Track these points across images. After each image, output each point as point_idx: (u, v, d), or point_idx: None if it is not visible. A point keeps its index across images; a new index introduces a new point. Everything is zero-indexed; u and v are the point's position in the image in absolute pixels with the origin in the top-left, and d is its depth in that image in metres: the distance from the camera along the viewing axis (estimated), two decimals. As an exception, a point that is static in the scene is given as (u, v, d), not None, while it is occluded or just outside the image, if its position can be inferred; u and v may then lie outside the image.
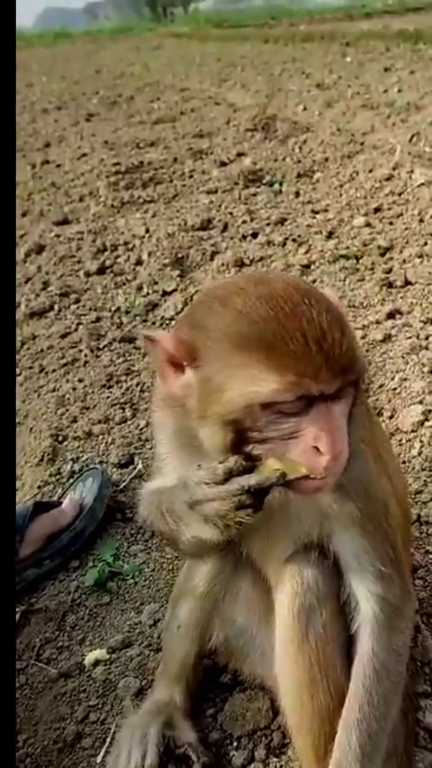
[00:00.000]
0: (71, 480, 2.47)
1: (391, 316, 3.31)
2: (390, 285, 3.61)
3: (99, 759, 1.64)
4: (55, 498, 2.46)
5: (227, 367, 1.17)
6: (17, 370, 3.42)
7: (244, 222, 4.66)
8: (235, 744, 1.64)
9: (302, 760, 1.47)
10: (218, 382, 1.18)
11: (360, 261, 3.87)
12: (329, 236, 4.29)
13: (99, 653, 1.91)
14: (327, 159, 5.99)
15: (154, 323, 3.60)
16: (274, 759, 1.59)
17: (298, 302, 1.16)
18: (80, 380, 3.15)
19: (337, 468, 1.16)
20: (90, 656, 1.91)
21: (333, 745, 1.36)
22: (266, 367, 1.13)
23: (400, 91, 8.42)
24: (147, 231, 4.70)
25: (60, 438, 2.77)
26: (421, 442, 2.51)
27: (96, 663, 1.89)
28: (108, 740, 1.68)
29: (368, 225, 4.35)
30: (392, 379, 2.87)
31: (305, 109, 8.24)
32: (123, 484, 2.51)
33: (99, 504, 2.33)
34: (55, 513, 2.27)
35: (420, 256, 3.82)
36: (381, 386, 2.86)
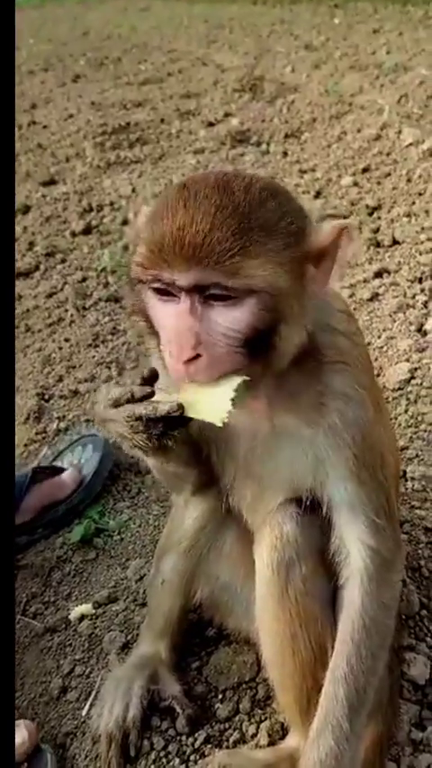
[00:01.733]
0: (69, 443, 2.39)
1: (378, 275, 3.25)
2: (377, 244, 3.54)
3: (84, 712, 1.62)
4: (43, 457, 2.41)
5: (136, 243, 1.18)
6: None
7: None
8: (220, 696, 1.62)
9: (286, 713, 1.45)
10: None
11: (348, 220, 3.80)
12: (317, 195, 4.21)
13: (85, 608, 1.89)
14: (314, 120, 5.86)
15: (141, 283, 3.53)
16: (259, 711, 1.58)
17: (202, 189, 1.10)
18: (66, 340, 3.08)
19: (192, 374, 1.09)
20: (76, 611, 1.88)
21: (316, 698, 1.33)
22: (141, 242, 1.13)
23: (388, 52, 8.25)
24: (133, 191, 4.59)
25: (47, 397, 2.72)
26: (408, 399, 2.47)
27: (82, 618, 1.87)
28: (93, 693, 1.66)
29: (356, 184, 4.26)
30: (379, 337, 2.83)
31: (293, 70, 8.06)
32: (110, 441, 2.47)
33: (97, 480, 2.25)
34: (55, 483, 2.19)
35: (408, 216, 3.75)
36: (368, 344, 2.81)
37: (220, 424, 1.09)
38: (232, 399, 1.09)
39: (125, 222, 4.17)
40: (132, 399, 1.17)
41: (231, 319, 1.09)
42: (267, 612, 1.37)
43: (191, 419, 1.14)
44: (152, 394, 1.17)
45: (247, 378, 1.11)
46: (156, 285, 1.12)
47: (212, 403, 1.10)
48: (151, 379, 1.19)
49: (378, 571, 1.30)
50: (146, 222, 1.15)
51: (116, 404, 1.18)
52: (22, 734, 1.51)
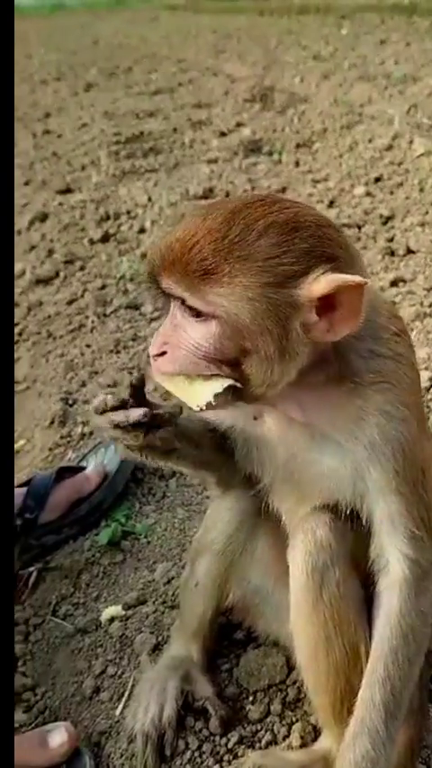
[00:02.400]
0: (93, 446, 2.41)
1: (394, 283, 3.27)
2: (392, 253, 3.56)
3: (118, 712, 1.64)
4: (68, 460, 2.43)
5: None
6: (25, 336, 3.38)
7: (245, 191, 4.59)
8: (251, 698, 1.63)
9: (319, 715, 1.46)
10: None
11: (362, 230, 3.82)
12: (331, 204, 4.23)
13: (115, 609, 1.90)
14: (325, 130, 5.89)
15: (158, 290, 3.55)
16: (290, 713, 1.59)
17: (213, 210, 1.14)
18: (88, 346, 3.10)
19: (156, 367, 1.19)
20: (106, 613, 1.89)
21: (349, 700, 1.34)
22: None
23: (396, 63, 8.28)
24: (149, 200, 4.62)
25: (70, 401, 2.73)
26: (428, 407, 2.48)
27: (112, 619, 1.88)
28: (126, 694, 1.67)
29: (369, 194, 4.29)
30: (396, 345, 2.84)
31: (302, 80, 8.09)
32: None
33: (120, 477, 2.27)
34: (79, 479, 2.21)
35: (422, 225, 3.77)
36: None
37: (195, 408, 1.17)
38: (215, 395, 1.16)
39: (142, 230, 4.20)
40: (107, 408, 1.24)
41: (196, 334, 1.15)
42: (302, 616, 1.38)
43: (171, 422, 1.26)
44: (124, 402, 1.24)
45: (236, 384, 1.16)
46: (153, 292, 1.20)
47: (196, 391, 1.17)
48: (139, 384, 1.26)
49: (417, 580, 1.31)
50: None
51: (98, 412, 1.26)
52: (62, 736, 1.52)
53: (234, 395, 1.17)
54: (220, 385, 1.16)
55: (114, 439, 1.28)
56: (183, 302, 1.15)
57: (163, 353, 1.18)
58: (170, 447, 1.32)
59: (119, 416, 1.23)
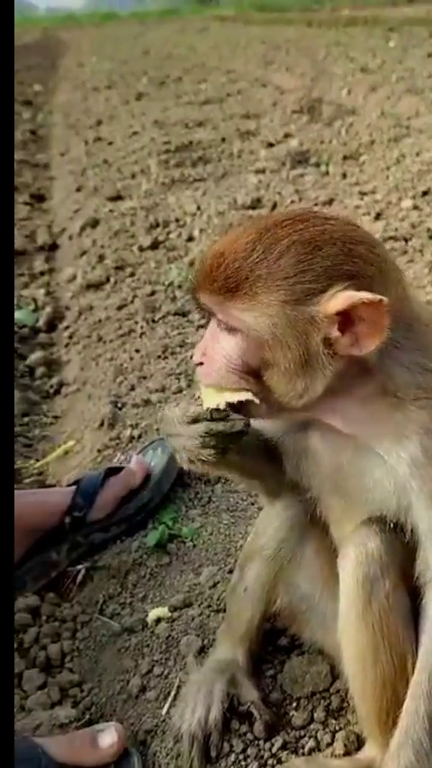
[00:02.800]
0: (141, 448, 2.44)
1: (440, 297, 3.25)
2: (438, 267, 3.54)
3: (164, 711, 1.65)
4: (116, 461, 2.46)
5: None
6: (75, 339, 3.43)
7: (292, 202, 4.60)
8: (294, 705, 1.63)
9: (364, 724, 1.46)
10: None
11: (409, 243, 3.80)
12: (377, 217, 4.22)
13: (161, 610, 1.91)
14: (373, 142, 5.88)
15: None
16: (333, 721, 1.59)
17: (247, 229, 1.21)
18: (137, 351, 3.14)
19: (198, 373, 1.28)
20: (153, 614, 1.91)
21: (394, 710, 1.34)
22: None
23: (444, 76, 8.22)
24: (198, 209, 4.66)
25: (119, 405, 2.77)
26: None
27: (159, 620, 1.89)
28: (172, 694, 1.68)
29: (416, 207, 4.27)
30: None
31: (350, 92, 8.08)
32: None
33: (166, 478, 2.29)
34: (125, 475, 2.24)
35: (469, 240, 3.74)
36: None
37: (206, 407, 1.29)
38: (232, 404, 1.27)
39: (191, 239, 4.23)
40: (210, 418, 1.30)
41: (226, 346, 1.23)
42: (351, 625, 1.38)
43: (246, 433, 1.32)
44: (227, 414, 1.30)
45: (254, 399, 1.24)
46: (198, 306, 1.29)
47: (220, 398, 1.28)
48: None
49: None
50: None
51: (195, 420, 1.31)
52: (112, 736, 1.53)
53: (259, 406, 1.25)
54: (238, 396, 1.25)
55: (188, 450, 1.33)
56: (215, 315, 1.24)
57: (202, 363, 1.27)
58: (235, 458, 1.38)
59: (220, 426, 1.29)
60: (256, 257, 1.16)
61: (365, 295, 1.12)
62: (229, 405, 1.27)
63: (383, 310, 1.13)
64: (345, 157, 5.56)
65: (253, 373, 1.22)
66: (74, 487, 2.18)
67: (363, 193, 4.67)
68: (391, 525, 1.36)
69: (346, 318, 1.15)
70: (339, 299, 1.14)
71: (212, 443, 1.30)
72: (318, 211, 1.32)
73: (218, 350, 1.23)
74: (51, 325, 3.70)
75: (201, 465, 1.34)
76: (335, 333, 1.16)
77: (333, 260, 1.16)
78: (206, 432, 1.29)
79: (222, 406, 1.27)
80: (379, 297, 1.12)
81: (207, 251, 1.24)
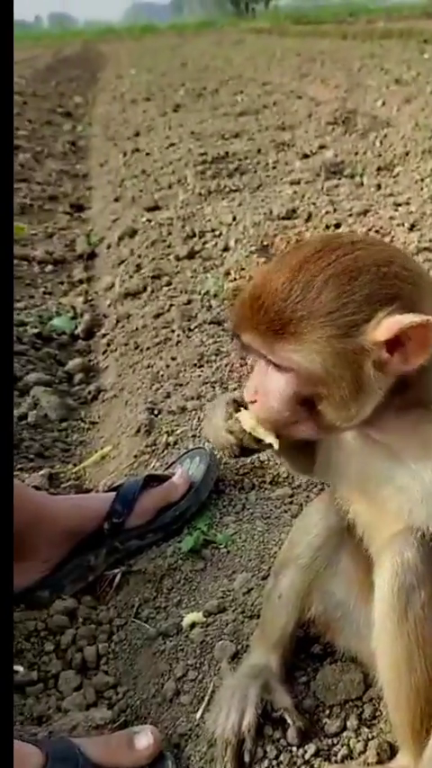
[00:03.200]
0: (179, 456, 2.46)
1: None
2: (473, 278, 3.51)
3: (198, 715, 1.65)
4: (153, 468, 2.48)
5: None
6: (113, 346, 3.46)
7: (327, 213, 4.60)
8: (327, 712, 1.63)
9: (397, 733, 1.45)
10: None
11: (443, 254, 3.78)
12: (412, 228, 4.20)
13: (196, 615, 1.92)
14: (407, 154, 5.85)
15: (241, 307, 3.58)
16: (366, 730, 1.58)
17: (282, 264, 1.21)
18: (173, 359, 3.16)
19: (252, 410, 1.29)
20: (187, 618, 1.92)
21: (428, 720, 1.34)
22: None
23: None
24: (233, 219, 4.67)
25: (156, 411, 2.78)
26: None
27: (193, 625, 1.90)
28: (206, 698, 1.69)
29: (451, 219, 4.24)
30: None
31: (384, 104, 8.06)
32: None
33: (203, 487, 2.29)
34: (167, 487, 2.25)
35: None
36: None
37: (268, 442, 1.32)
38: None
39: (226, 249, 4.25)
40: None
41: (278, 383, 1.22)
42: (386, 633, 1.38)
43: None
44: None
45: (275, 446, 1.32)
46: (244, 349, 1.29)
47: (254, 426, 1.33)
48: None
49: None
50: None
51: (230, 432, 1.40)
52: (148, 738, 1.54)
53: (304, 431, 1.28)
54: (268, 437, 1.31)
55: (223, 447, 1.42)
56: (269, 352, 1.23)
57: (255, 401, 1.27)
58: None
59: (251, 444, 1.38)
60: (296, 297, 1.16)
61: (412, 318, 1.13)
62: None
63: (430, 328, 1.14)
64: (379, 168, 5.55)
65: (306, 404, 1.23)
66: (113, 494, 2.20)
67: (397, 204, 4.65)
68: (428, 535, 1.36)
69: (393, 341, 1.16)
70: (386, 326, 1.14)
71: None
72: (342, 235, 1.36)
73: (270, 388, 1.23)
74: (90, 333, 3.74)
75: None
76: (385, 355, 1.17)
77: (371, 287, 1.16)
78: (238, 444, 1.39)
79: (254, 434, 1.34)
80: (426, 318, 1.13)
81: (243, 294, 1.23)
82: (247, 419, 1.35)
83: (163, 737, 1.63)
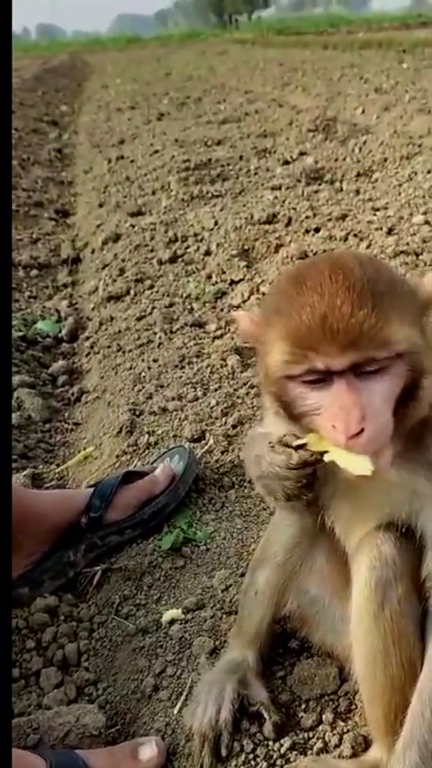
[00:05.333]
0: (159, 454, 2.44)
1: (450, 310, 3.22)
2: (449, 281, 3.51)
3: (176, 710, 1.64)
4: (134, 467, 2.46)
5: (264, 343, 1.22)
6: (96, 349, 3.44)
7: (307, 217, 4.59)
8: (303, 706, 1.61)
9: (372, 726, 1.44)
10: (262, 356, 1.24)
11: (420, 257, 3.78)
12: (389, 232, 4.20)
13: (175, 612, 1.90)
14: (386, 160, 5.87)
15: (222, 310, 3.58)
16: (341, 723, 1.56)
17: (325, 277, 1.15)
18: (155, 360, 3.14)
19: (361, 447, 1.14)
20: (166, 615, 1.90)
21: (403, 713, 1.33)
22: (278, 340, 1.16)
23: (455, 96, 8.19)
24: (215, 224, 4.66)
25: (137, 412, 2.77)
26: None
27: (172, 621, 1.89)
28: (184, 694, 1.67)
29: (427, 222, 4.24)
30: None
31: (364, 112, 8.09)
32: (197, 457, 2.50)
33: (183, 485, 2.28)
34: (148, 480, 2.23)
35: None
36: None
37: (368, 473, 1.15)
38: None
39: (208, 253, 4.24)
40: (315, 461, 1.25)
41: (385, 387, 1.16)
42: (362, 628, 1.37)
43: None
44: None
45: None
46: (308, 377, 1.17)
47: (356, 460, 1.17)
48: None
49: None
50: (273, 322, 1.20)
51: (305, 465, 1.26)
52: (152, 749, 1.51)
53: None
54: (341, 460, 1.18)
55: (288, 489, 1.30)
56: (359, 367, 1.14)
57: (362, 430, 1.14)
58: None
59: (306, 455, 1.24)
60: (371, 285, 1.14)
61: None
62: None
63: None
64: (358, 174, 5.55)
65: (405, 401, 1.19)
66: (92, 489, 2.19)
67: (375, 209, 4.65)
68: (403, 530, 1.35)
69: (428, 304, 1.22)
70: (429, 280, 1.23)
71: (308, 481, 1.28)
72: (318, 257, 1.42)
73: (377, 401, 1.15)
74: (73, 336, 3.72)
75: (296, 504, 1.33)
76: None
77: (389, 270, 1.23)
78: (297, 463, 1.26)
79: (326, 458, 1.21)
80: None
81: (310, 319, 1.13)
82: (314, 440, 1.23)
83: (141, 732, 1.62)
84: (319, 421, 1.18)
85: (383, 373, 1.15)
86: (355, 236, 4.19)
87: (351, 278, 1.14)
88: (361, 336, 1.11)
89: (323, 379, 1.16)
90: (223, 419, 2.67)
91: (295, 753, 1.51)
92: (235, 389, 2.84)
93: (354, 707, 1.59)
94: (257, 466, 1.32)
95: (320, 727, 1.57)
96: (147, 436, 2.63)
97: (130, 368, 3.13)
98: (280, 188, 5.32)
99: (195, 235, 4.55)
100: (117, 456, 2.59)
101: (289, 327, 1.15)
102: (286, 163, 6.07)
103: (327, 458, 1.20)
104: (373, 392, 1.15)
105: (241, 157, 6.39)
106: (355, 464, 1.15)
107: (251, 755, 1.50)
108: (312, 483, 1.29)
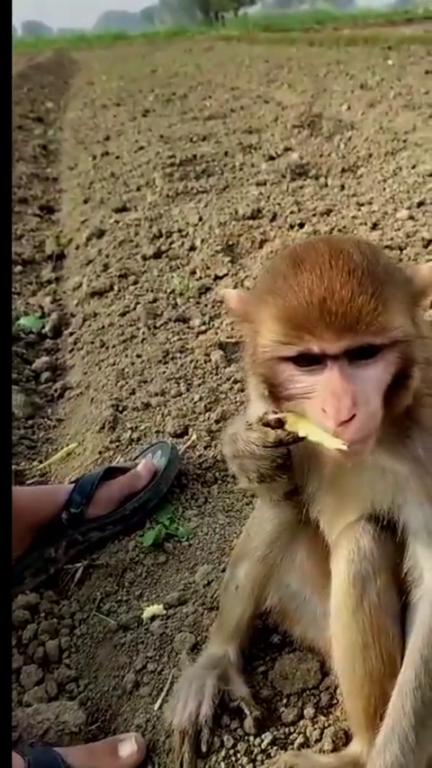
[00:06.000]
0: (142, 450, 2.42)
1: (433, 304, 3.22)
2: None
3: (156, 707, 1.62)
4: (117, 463, 2.44)
5: (255, 322, 1.20)
6: (80, 345, 3.42)
7: (292, 213, 4.58)
8: (284, 701, 1.60)
9: (352, 721, 1.43)
10: (252, 336, 1.21)
11: (404, 252, 3.77)
12: (374, 227, 4.20)
13: (156, 608, 1.89)
14: (370, 155, 5.86)
15: (206, 305, 3.56)
16: (322, 718, 1.55)
17: (325, 259, 1.14)
18: (138, 356, 3.12)
19: (350, 434, 1.11)
20: (148, 611, 1.89)
21: (382, 707, 1.32)
22: (272, 321, 1.14)
23: (440, 92, 8.20)
24: (200, 219, 4.64)
25: (120, 408, 2.75)
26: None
27: (154, 617, 1.87)
28: (165, 689, 1.65)
29: (411, 218, 4.24)
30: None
31: (349, 108, 8.08)
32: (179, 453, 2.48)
33: (165, 480, 2.26)
34: (130, 475, 2.21)
35: (462, 249, 3.71)
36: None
37: (344, 448, 1.12)
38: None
39: (192, 248, 4.22)
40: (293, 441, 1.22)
41: (378, 374, 1.15)
42: (341, 622, 1.36)
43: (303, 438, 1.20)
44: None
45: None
46: (300, 360, 1.15)
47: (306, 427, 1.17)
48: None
49: None
50: (268, 301, 1.17)
51: (276, 445, 1.23)
52: (132, 746, 1.50)
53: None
54: (325, 439, 1.15)
55: (262, 470, 1.26)
56: (354, 353, 1.13)
57: (352, 417, 1.11)
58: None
59: (282, 434, 1.21)
60: (369, 271, 1.13)
61: None
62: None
63: None
64: (343, 170, 5.55)
65: (395, 389, 1.17)
66: (73, 485, 2.17)
67: (360, 204, 4.65)
68: (383, 523, 1.34)
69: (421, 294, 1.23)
70: (425, 271, 1.22)
71: (282, 461, 1.25)
72: (316, 238, 1.39)
73: (369, 388, 1.14)
74: (57, 332, 3.69)
75: (269, 485, 1.30)
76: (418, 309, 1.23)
77: (387, 257, 1.23)
78: (273, 440, 1.22)
79: (302, 434, 1.18)
80: None
81: (306, 301, 1.11)
82: (293, 420, 1.20)
83: (122, 728, 1.60)
84: (308, 405, 1.16)
85: (376, 360, 1.14)
86: (340, 230, 4.18)
87: (351, 262, 1.13)
88: (359, 322, 1.10)
89: (316, 362, 1.14)
90: (206, 414, 2.65)
91: (276, 748, 1.50)
92: (218, 385, 2.82)
93: (335, 701, 1.58)
94: (233, 444, 1.28)
95: (301, 722, 1.56)
96: (129, 432, 2.61)
97: (114, 364, 3.10)
98: (265, 183, 5.31)
99: (180, 230, 4.53)
100: (100, 452, 2.57)
101: (285, 308, 1.13)
102: (271, 159, 6.06)
103: (302, 433, 1.18)
104: (366, 379, 1.13)
105: (226, 153, 6.37)
106: (331, 440, 1.13)
107: (232, 751, 1.49)
108: (287, 464, 1.26)
